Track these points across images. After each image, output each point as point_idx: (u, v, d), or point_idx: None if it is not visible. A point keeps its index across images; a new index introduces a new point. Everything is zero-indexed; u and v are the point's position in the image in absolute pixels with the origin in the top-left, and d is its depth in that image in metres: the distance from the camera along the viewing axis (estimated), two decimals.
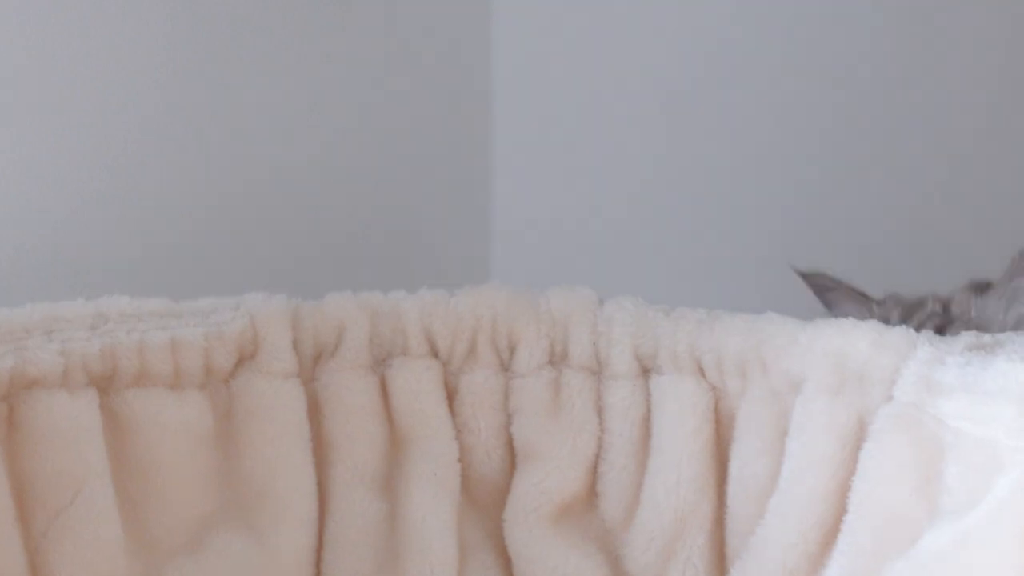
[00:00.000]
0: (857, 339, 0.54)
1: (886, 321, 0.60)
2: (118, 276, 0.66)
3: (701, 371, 0.59)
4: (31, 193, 0.73)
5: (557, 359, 0.63)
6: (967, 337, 0.53)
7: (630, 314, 0.61)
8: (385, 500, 0.62)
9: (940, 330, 0.62)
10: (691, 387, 0.59)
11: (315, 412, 0.62)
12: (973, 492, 0.46)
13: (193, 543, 0.59)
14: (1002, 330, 0.61)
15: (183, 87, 0.79)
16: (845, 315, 0.58)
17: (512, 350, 0.63)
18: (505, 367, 0.64)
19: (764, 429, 0.57)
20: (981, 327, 0.61)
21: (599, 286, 0.64)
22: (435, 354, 0.63)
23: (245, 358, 0.61)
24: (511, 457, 0.64)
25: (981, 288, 0.67)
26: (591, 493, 0.63)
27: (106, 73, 0.75)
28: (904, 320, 0.65)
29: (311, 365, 0.63)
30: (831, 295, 0.70)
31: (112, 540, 0.56)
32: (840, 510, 0.53)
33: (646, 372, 0.61)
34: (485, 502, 0.64)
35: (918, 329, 0.54)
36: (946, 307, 0.67)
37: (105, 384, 0.58)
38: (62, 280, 0.67)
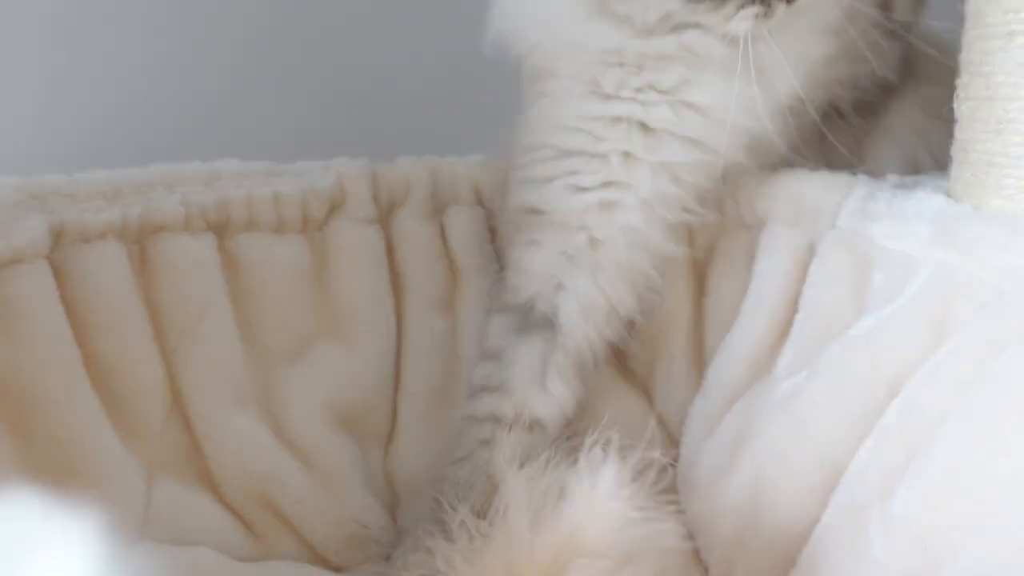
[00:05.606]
0: (812, 183, 0.62)
1: None
2: (230, 144, 0.71)
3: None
4: (160, 76, 0.84)
5: None
6: (893, 178, 0.62)
7: None
8: (447, 318, 0.70)
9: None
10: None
11: (390, 251, 0.70)
12: (893, 292, 0.55)
13: (297, 353, 0.67)
14: None
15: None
16: None
17: None
18: None
19: (735, 255, 0.66)
20: None
21: None
22: (480, 203, 0.72)
23: (335, 208, 0.69)
24: None
25: None
26: None
27: None
28: None
29: (387, 214, 0.70)
30: None
31: (231, 351, 0.64)
32: (793, 311, 0.61)
33: None
34: None
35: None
36: None
37: (220, 230, 0.65)
38: (183, 146, 0.71)
